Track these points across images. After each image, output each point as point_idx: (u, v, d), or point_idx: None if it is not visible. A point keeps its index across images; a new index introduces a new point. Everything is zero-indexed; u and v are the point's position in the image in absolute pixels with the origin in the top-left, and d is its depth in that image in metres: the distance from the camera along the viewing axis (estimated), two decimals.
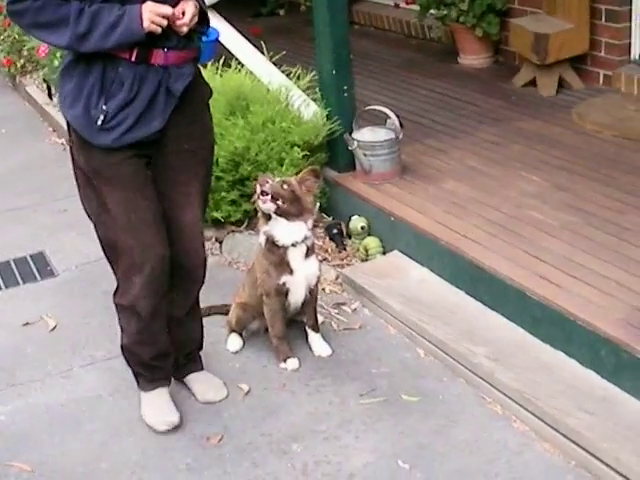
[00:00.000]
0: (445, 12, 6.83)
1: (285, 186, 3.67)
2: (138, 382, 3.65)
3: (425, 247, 4.30)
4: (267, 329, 3.95)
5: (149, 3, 3.01)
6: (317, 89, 5.05)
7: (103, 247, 3.45)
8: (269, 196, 3.63)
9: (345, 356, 3.95)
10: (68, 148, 3.37)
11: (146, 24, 2.99)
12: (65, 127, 3.35)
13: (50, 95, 7.96)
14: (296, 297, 3.86)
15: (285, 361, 3.88)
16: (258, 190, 3.65)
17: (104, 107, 3.09)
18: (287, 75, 5.26)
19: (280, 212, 3.67)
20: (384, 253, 4.60)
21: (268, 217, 3.72)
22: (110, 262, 3.46)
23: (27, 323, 4.49)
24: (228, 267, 4.82)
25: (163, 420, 3.52)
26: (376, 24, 8.47)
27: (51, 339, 4.34)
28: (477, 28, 6.62)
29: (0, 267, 5.17)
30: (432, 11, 7.11)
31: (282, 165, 4.71)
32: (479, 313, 3.93)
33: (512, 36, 6.40)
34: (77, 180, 3.36)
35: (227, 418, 3.59)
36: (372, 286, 4.27)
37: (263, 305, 3.87)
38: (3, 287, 4.94)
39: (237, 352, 4.03)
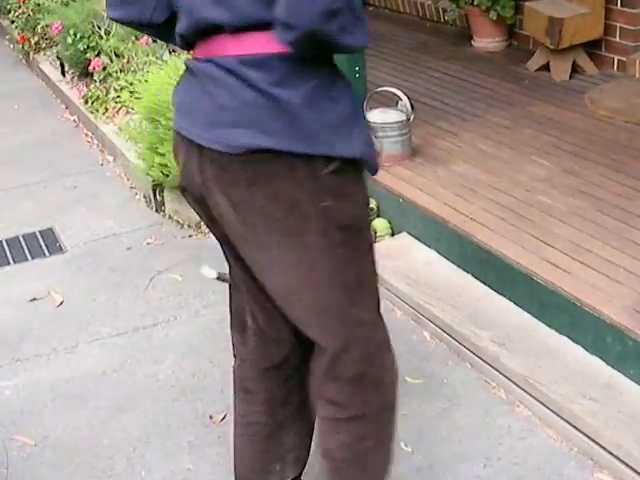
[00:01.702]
0: None
1: None
2: None
3: (433, 229, 4.29)
4: None
5: None
6: None
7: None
8: None
9: None
10: (305, 207, 2.10)
11: None
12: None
13: (63, 72, 7.95)
14: None
15: None
16: None
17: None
18: None
19: None
20: (392, 235, 4.58)
21: None
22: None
23: (34, 298, 4.50)
24: None
25: None
26: (390, 6, 8.42)
27: (57, 315, 4.34)
28: (491, 11, 6.56)
29: (9, 242, 5.18)
30: None
31: None
32: (486, 297, 3.91)
33: (526, 20, 6.35)
34: (345, 248, 2.21)
35: (231, 397, 3.52)
36: (379, 267, 4.23)
37: None
38: (12, 262, 4.95)
39: None
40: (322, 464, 2.52)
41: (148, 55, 6.38)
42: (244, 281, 2.45)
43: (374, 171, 2.21)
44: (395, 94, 4.79)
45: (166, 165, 4.89)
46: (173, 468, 3.22)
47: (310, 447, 2.74)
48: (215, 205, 2.15)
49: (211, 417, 3.47)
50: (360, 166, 2.15)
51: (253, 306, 2.49)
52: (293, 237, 2.12)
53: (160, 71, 5.22)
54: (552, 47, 5.93)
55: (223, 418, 3.45)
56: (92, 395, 3.70)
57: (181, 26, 2.09)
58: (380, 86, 4.99)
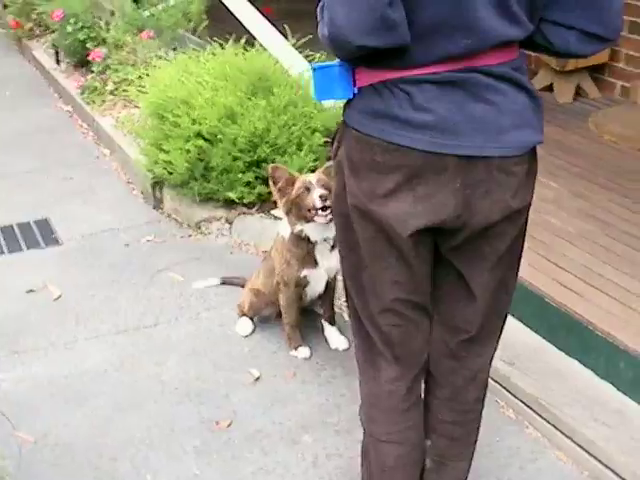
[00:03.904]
0: None
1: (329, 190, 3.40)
2: None
3: None
4: (279, 315, 3.89)
5: None
6: None
7: None
8: (329, 210, 3.39)
9: None
10: None
11: None
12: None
13: (58, 60, 7.85)
14: (315, 289, 3.79)
15: (296, 349, 3.83)
16: (304, 193, 3.50)
17: None
18: (310, 60, 5.16)
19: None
20: None
21: (302, 216, 3.55)
22: None
23: (31, 290, 4.42)
24: (237, 249, 4.75)
25: None
26: None
27: (55, 308, 4.27)
28: None
29: (4, 231, 5.10)
30: None
31: (301, 150, 4.64)
32: None
33: None
34: None
35: (236, 403, 3.53)
36: None
37: (278, 293, 3.81)
38: (6, 251, 4.86)
39: (247, 336, 3.98)
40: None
41: (149, 50, 6.32)
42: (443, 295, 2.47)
43: None
44: None
45: (170, 162, 4.82)
46: (179, 473, 3.16)
47: None
48: (469, 217, 2.17)
49: (217, 422, 3.42)
50: None
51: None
52: (525, 224, 2.37)
53: (168, 67, 5.16)
54: (557, 68, 5.93)
55: (229, 424, 3.40)
56: (92, 393, 3.63)
57: (451, 45, 2.03)
58: None
